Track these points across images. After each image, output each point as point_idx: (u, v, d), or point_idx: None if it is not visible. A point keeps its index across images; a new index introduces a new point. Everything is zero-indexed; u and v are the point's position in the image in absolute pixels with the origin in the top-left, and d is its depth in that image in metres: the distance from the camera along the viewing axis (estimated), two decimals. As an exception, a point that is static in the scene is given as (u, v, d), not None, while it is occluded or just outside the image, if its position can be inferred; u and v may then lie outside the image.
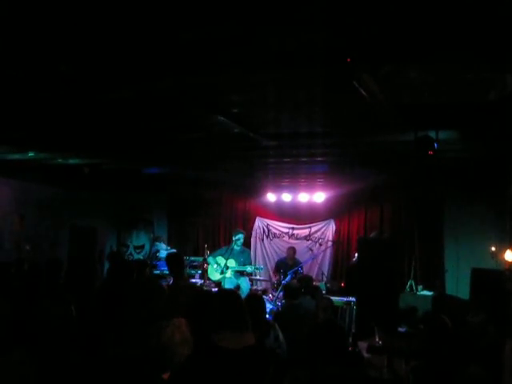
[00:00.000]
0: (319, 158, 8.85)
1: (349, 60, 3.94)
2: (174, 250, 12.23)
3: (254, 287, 11.39)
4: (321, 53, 3.96)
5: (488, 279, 8.63)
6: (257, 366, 3.63)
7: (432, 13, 3.32)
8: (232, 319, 3.67)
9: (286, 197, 12.73)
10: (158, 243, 12.82)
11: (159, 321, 3.34)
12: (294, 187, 12.54)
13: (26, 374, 3.51)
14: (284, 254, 12.11)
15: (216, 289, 9.97)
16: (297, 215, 13.18)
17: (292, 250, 11.81)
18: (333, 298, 9.62)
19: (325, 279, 11.77)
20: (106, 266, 10.37)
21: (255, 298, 5.79)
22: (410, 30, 3.61)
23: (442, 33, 3.61)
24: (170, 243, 13.25)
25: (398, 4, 3.27)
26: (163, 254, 12.03)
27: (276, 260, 12.47)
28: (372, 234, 11.81)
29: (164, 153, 8.87)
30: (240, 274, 10.86)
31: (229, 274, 10.76)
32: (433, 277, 11.56)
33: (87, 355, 3.95)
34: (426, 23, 3.49)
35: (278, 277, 10.86)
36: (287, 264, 11.39)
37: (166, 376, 3.15)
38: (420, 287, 10.84)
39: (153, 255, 12.77)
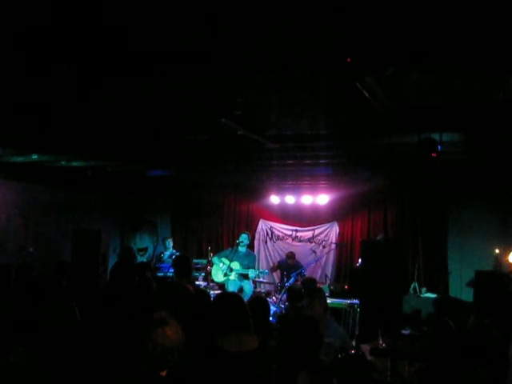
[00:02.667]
0: (322, 161, 8.84)
1: (349, 60, 3.93)
2: (176, 252, 12.27)
3: (258, 290, 11.39)
4: (324, 55, 3.96)
5: (492, 281, 8.61)
6: (259, 369, 3.62)
7: (436, 14, 3.32)
8: (234, 322, 3.67)
9: (290, 199, 12.75)
10: (169, 240, 12.81)
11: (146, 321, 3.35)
12: (297, 189, 12.55)
13: (26, 374, 3.52)
14: (285, 256, 12.12)
15: (219, 291, 9.99)
16: (300, 217, 13.19)
17: (290, 253, 11.81)
18: (336, 300, 9.68)
19: (328, 281, 11.79)
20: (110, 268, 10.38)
21: (259, 300, 5.79)
22: (413, 31, 3.61)
23: (445, 34, 3.60)
24: (173, 245, 13.27)
25: (402, 6, 3.27)
26: (166, 255, 12.04)
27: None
28: (379, 237, 11.78)
29: (167, 155, 8.88)
30: (244, 276, 10.86)
31: (232, 276, 10.76)
32: (436, 279, 11.56)
33: (91, 357, 3.96)
34: (429, 25, 3.49)
35: (280, 278, 10.89)
36: (288, 265, 11.40)
37: (163, 373, 3.16)
38: (424, 289, 10.84)
39: (156, 257, 12.79)
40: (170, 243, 12.68)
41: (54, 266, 7.34)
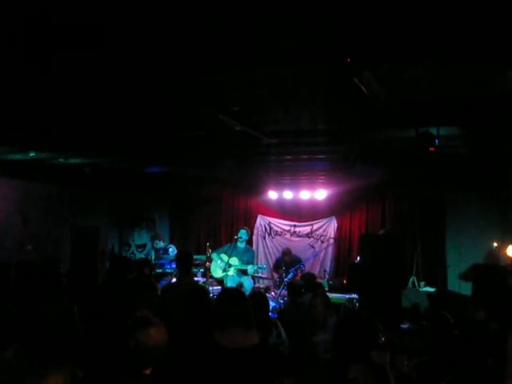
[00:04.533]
0: (320, 156, 8.84)
1: (349, 60, 3.94)
2: (173, 247, 12.29)
3: (257, 285, 11.40)
4: (322, 50, 3.96)
5: (490, 275, 8.63)
6: (259, 365, 3.63)
7: (433, 9, 3.32)
8: (234, 318, 3.67)
9: (288, 194, 12.75)
10: (157, 241, 12.83)
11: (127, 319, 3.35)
12: (295, 185, 12.55)
13: (21, 371, 3.52)
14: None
15: (218, 287, 10.00)
16: (298, 213, 13.19)
17: (287, 250, 11.80)
18: (335, 295, 9.69)
19: (327, 276, 11.79)
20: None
21: (258, 296, 5.79)
22: (410, 26, 3.61)
23: (442, 29, 3.60)
24: (171, 242, 13.26)
25: (399, 1, 3.27)
26: (171, 252, 12.03)
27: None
28: (381, 232, 11.77)
29: (165, 151, 8.87)
30: (242, 272, 10.86)
31: (231, 272, 10.76)
32: (435, 273, 11.57)
33: (89, 353, 3.97)
34: (426, 19, 3.49)
35: (278, 275, 10.90)
36: (285, 261, 11.40)
37: (148, 371, 3.17)
38: (422, 283, 10.86)
39: (155, 254, 12.79)
40: (159, 244, 12.68)
41: (46, 263, 7.33)
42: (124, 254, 13.75)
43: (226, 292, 4.40)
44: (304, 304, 6.92)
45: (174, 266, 10.99)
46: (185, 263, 6.50)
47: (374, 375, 3.56)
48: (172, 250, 12.12)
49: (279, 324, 5.56)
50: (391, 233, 11.69)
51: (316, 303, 6.31)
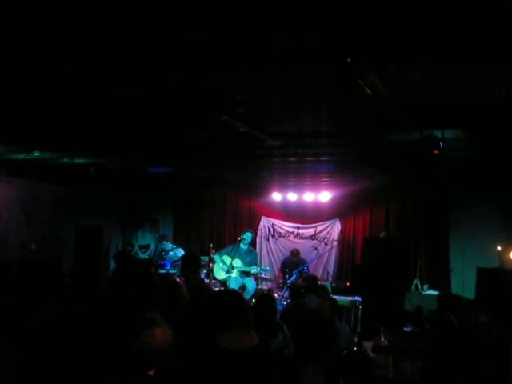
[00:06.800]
0: (324, 158, 8.84)
1: (349, 60, 3.93)
2: (180, 249, 12.27)
3: (260, 287, 11.40)
4: (326, 52, 3.96)
5: (494, 278, 8.61)
6: (259, 367, 3.63)
7: (437, 12, 3.32)
8: (234, 320, 3.68)
9: (292, 196, 12.75)
10: (165, 242, 12.85)
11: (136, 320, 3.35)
12: (299, 187, 12.55)
13: (6, 371, 3.52)
14: (289, 254, 12.13)
15: (221, 288, 10.00)
16: (302, 215, 13.18)
17: (295, 250, 11.84)
18: (338, 297, 9.68)
19: (330, 279, 11.79)
20: (112, 265, 10.41)
21: (265, 297, 5.79)
22: (415, 28, 3.61)
23: (447, 31, 3.60)
24: (175, 242, 13.26)
25: (404, 3, 3.26)
26: (172, 254, 12.04)
27: (281, 259, 12.49)
28: (382, 234, 11.77)
29: (169, 152, 8.88)
30: (245, 273, 10.86)
31: (234, 273, 10.76)
32: (438, 276, 11.55)
33: (94, 353, 3.97)
34: (431, 22, 3.48)
35: (283, 276, 10.90)
36: (292, 262, 11.42)
37: (151, 372, 3.17)
38: (425, 286, 10.83)
39: (159, 254, 12.79)
40: (167, 244, 12.69)
41: (47, 263, 7.34)
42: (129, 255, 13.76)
43: (223, 294, 4.41)
44: (305, 305, 6.93)
45: (176, 266, 11.03)
46: (192, 265, 6.51)
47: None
48: (173, 254, 12.10)
49: (285, 327, 5.56)
50: (393, 235, 11.71)
51: (324, 307, 6.32)
